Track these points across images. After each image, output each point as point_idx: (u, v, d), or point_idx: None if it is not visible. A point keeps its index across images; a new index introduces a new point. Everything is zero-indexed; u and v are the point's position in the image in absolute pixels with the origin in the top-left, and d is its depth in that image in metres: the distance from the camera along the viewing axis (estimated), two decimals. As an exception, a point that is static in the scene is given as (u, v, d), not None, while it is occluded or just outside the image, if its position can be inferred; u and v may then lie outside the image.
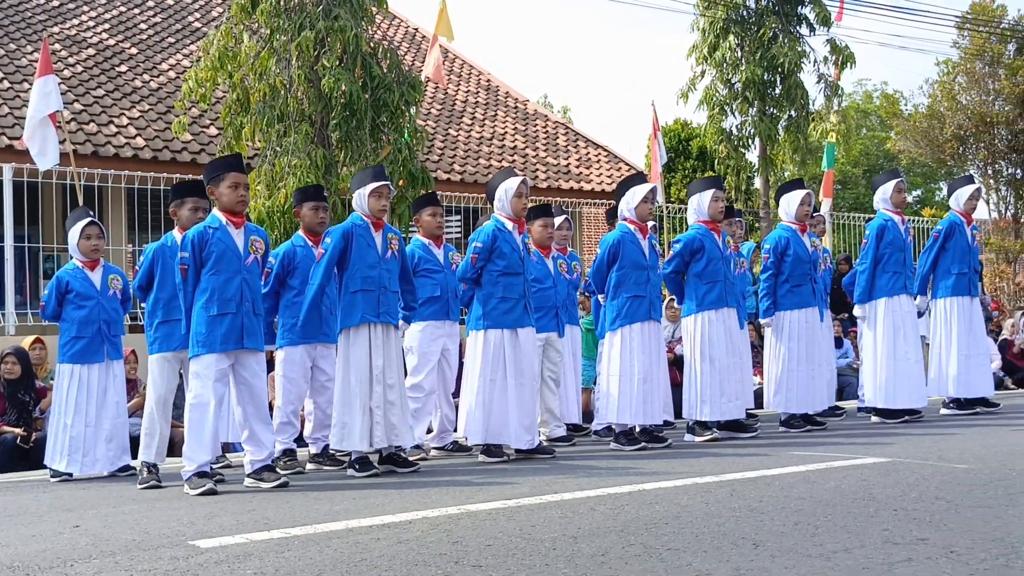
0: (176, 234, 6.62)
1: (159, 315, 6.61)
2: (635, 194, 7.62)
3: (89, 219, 7.32)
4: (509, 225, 7.12)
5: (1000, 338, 14.03)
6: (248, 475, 6.11)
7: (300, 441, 7.43)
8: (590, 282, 7.97)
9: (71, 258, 7.41)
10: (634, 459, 6.77)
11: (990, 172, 22.19)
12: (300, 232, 7.28)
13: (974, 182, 9.59)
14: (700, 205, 7.93)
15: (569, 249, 8.89)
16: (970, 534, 3.80)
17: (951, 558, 3.44)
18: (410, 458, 7.31)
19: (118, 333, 7.34)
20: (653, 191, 7.68)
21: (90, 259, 7.31)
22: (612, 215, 8.62)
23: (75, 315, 7.18)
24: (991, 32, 22.38)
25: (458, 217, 16.02)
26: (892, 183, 8.82)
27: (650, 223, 7.89)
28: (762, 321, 8.44)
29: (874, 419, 8.74)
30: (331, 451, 7.07)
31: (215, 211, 6.16)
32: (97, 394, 7.17)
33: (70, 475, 7.16)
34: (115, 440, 7.20)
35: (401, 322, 6.91)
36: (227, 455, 7.52)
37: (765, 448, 7.12)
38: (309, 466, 7.07)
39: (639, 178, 7.88)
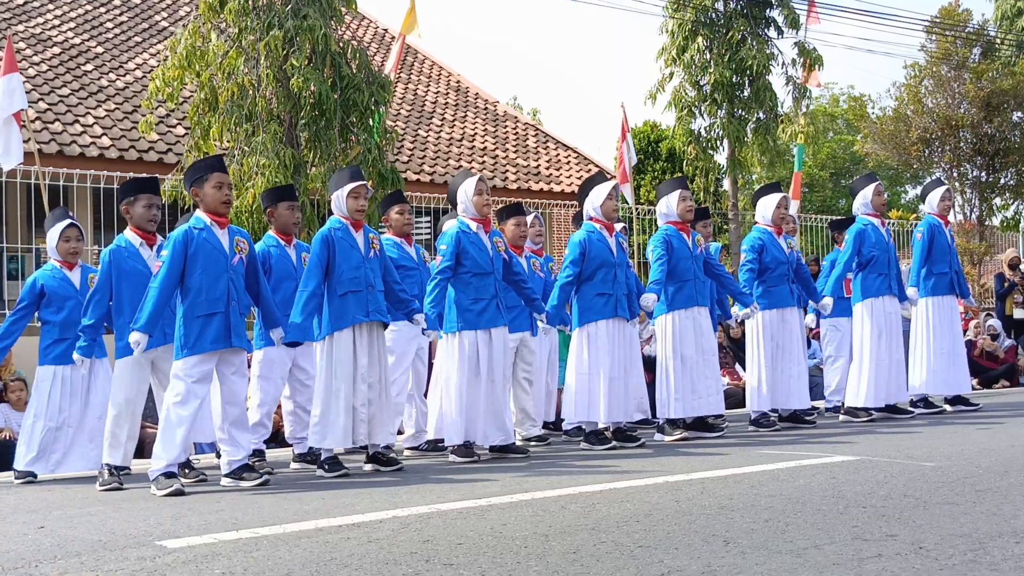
0: (129, 233, 6.53)
1: (124, 317, 6.40)
2: (599, 193, 7.64)
3: (69, 221, 7.23)
4: (473, 226, 7.09)
5: (965, 339, 14.16)
6: (226, 475, 6.08)
7: (281, 441, 7.40)
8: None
9: (49, 259, 7.33)
10: (605, 458, 6.77)
11: (955, 175, 22.39)
12: (271, 232, 7.21)
13: (943, 184, 9.68)
14: (669, 206, 7.96)
15: (545, 253, 8.89)
16: (938, 530, 3.82)
17: (920, 554, 3.45)
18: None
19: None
20: (616, 188, 7.69)
21: (68, 261, 7.22)
22: (579, 219, 8.61)
23: (55, 317, 7.08)
24: (956, 36, 22.59)
25: (428, 218, 15.97)
26: (871, 186, 8.88)
27: (618, 224, 7.91)
28: (740, 312, 8.41)
29: (841, 418, 8.80)
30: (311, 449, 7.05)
31: (199, 212, 6.12)
32: (81, 394, 7.09)
33: (34, 477, 7.07)
34: (96, 439, 7.09)
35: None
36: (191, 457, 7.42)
37: (735, 447, 7.14)
38: (294, 465, 7.07)
39: (600, 177, 7.89)
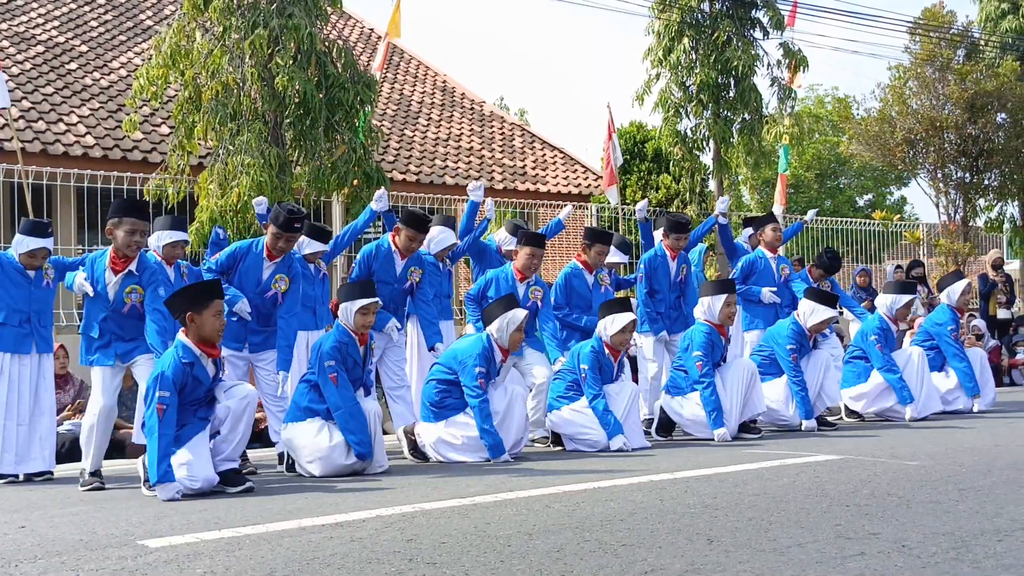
0: (111, 254, 6.45)
1: (92, 332, 6.43)
2: (615, 323, 7.40)
3: (43, 243, 6.91)
4: (497, 353, 7.12)
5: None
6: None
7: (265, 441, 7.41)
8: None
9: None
10: (589, 459, 6.77)
11: (939, 176, 22.43)
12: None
13: (963, 276, 9.94)
14: (712, 308, 7.82)
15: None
16: (921, 529, 3.83)
17: (903, 552, 3.46)
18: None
19: (47, 324, 7.08)
20: (633, 322, 7.44)
21: (28, 266, 7.05)
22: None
23: (2, 301, 6.95)
24: (941, 37, 22.65)
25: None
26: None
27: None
28: None
29: (832, 418, 8.82)
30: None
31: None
32: (29, 391, 6.98)
33: (17, 477, 7.01)
34: (47, 440, 6.99)
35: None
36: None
37: (719, 447, 7.15)
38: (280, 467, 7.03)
39: (619, 306, 7.51)
